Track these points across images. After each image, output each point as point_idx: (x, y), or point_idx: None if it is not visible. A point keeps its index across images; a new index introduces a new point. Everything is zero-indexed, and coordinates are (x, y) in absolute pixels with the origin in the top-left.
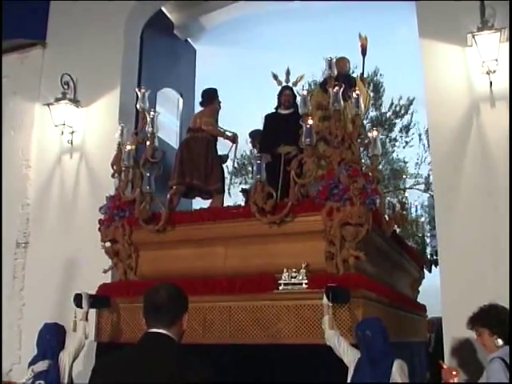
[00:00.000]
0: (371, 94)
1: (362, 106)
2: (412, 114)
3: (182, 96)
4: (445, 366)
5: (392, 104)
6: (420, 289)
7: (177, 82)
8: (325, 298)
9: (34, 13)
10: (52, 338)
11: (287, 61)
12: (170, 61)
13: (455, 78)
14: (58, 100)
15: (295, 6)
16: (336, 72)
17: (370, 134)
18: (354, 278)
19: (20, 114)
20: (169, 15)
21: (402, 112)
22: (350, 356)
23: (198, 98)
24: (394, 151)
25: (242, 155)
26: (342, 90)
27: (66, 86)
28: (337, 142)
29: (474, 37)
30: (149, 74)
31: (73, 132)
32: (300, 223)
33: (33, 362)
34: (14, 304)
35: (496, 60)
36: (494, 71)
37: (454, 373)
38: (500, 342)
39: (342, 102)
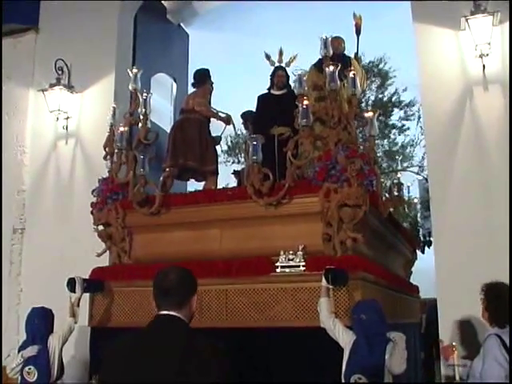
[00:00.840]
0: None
1: (359, 85)
2: (413, 112)
3: (175, 81)
4: (444, 344)
5: (395, 93)
6: (413, 270)
7: (170, 67)
8: (324, 280)
9: None
10: (40, 323)
11: (279, 46)
12: (163, 46)
13: (449, 62)
14: (52, 86)
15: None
16: (331, 51)
17: (366, 115)
18: (352, 260)
19: (14, 99)
20: (162, 0)
21: (402, 105)
22: (345, 338)
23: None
24: (389, 135)
25: (237, 134)
26: (338, 69)
27: (60, 72)
28: (333, 123)
29: (467, 20)
30: (143, 59)
31: (68, 118)
32: (297, 205)
33: (22, 348)
34: (12, 289)
35: (489, 43)
36: (487, 54)
37: (454, 350)
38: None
39: (338, 81)
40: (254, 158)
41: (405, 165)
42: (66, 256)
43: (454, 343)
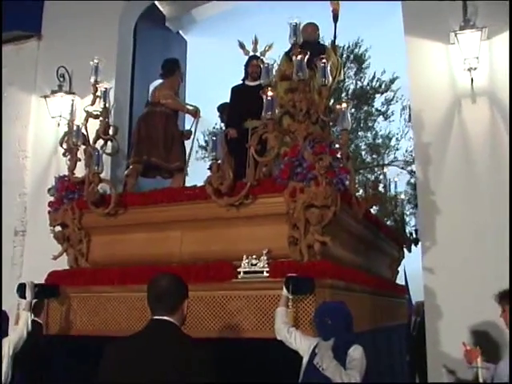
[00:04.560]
0: (352, 66)
1: (330, 75)
2: (396, 91)
3: None
4: (468, 347)
5: (374, 78)
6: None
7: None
8: (284, 290)
9: (29, 5)
10: None
11: (276, 51)
12: (162, 52)
13: (439, 74)
14: (54, 92)
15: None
16: (302, 39)
17: (338, 107)
18: (319, 266)
19: (16, 104)
20: (161, 8)
21: (383, 88)
22: (304, 346)
23: (189, 89)
24: (373, 126)
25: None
26: (306, 57)
27: (61, 79)
28: (302, 116)
29: (456, 35)
30: (142, 66)
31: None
32: (261, 205)
33: None
34: (14, 291)
35: (477, 58)
36: (475, 68)
37: (478, 353)
38: None
39: (306, 70)
40: (214, 154)
41: (390, 157)
42: (65, 258)
43: (477, 347)
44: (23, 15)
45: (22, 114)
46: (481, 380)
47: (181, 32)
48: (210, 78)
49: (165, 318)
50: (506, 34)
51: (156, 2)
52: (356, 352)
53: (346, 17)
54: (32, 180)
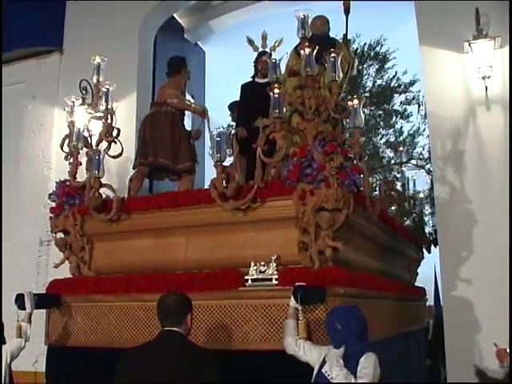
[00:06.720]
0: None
1: (340, 70)
2: (416, 92)
3: (193, 97)
4: (499, 347)
5: (394, 77)
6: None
7: (188, 84)
8: (292, 300)
9: (50, 21)
10: None
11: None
12: None
13: (453, 83)
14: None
15: (299, 8)
16: (311, 33)
17: (350, 103)
18: (331, 273)
19: (39, 117)
20: (179, 20)
21: (401, 88)
22: (314, 356)
23: (209, 100)
24: (394, 124)
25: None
26: (315, 51)
27: (84, 91)
28: (311, 114)
29: (470, 45)
30: (162, 77)
31: (91, 135)
32: (269, 209)
33: None
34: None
35: (490, 66)
36: (489, 77)
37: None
38: None
39: (315, 65)
40: (218, 156)
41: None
42: None
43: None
44: (45, 31)
45: (44, 127)
46: None
47: (199, 43)
48: (228, 88)
49: (174, 328)
50: None
51: (175, 15)
52: (368, 360)
53: (372, 16)
54: None
